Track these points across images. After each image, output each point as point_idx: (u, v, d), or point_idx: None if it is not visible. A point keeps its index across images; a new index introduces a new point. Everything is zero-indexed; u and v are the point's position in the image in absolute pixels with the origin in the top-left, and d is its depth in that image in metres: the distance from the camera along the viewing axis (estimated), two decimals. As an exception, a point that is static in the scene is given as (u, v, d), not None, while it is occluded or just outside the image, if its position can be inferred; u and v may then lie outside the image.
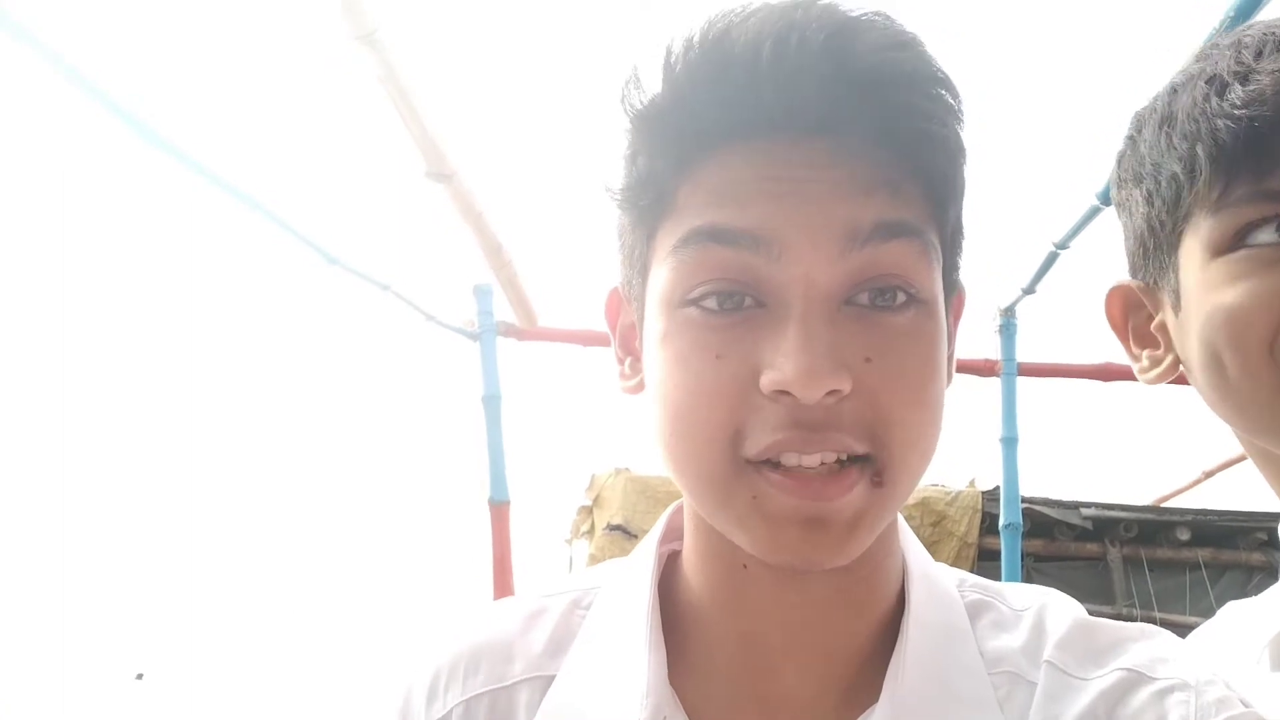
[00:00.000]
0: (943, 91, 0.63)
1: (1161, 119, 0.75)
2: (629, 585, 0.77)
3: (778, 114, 0.61)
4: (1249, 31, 0.72)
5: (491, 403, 2.80)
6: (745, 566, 0.68)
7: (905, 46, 0.62)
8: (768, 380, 0.59)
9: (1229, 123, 0.69)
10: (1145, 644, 0.70)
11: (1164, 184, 0.75)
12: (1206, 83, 0.72)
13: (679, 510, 0.79)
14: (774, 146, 0.62)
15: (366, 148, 1.96)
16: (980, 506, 4.55)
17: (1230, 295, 0.70)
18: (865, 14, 0.61)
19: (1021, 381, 3.09)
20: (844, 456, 0.60)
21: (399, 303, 2.69)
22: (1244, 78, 0.69)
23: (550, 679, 0.75)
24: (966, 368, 2.97)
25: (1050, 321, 3.10)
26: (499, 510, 2.77)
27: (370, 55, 1.46)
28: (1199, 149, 0.71)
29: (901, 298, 0.62)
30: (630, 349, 0.75)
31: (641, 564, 0.78)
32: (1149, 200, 0.77)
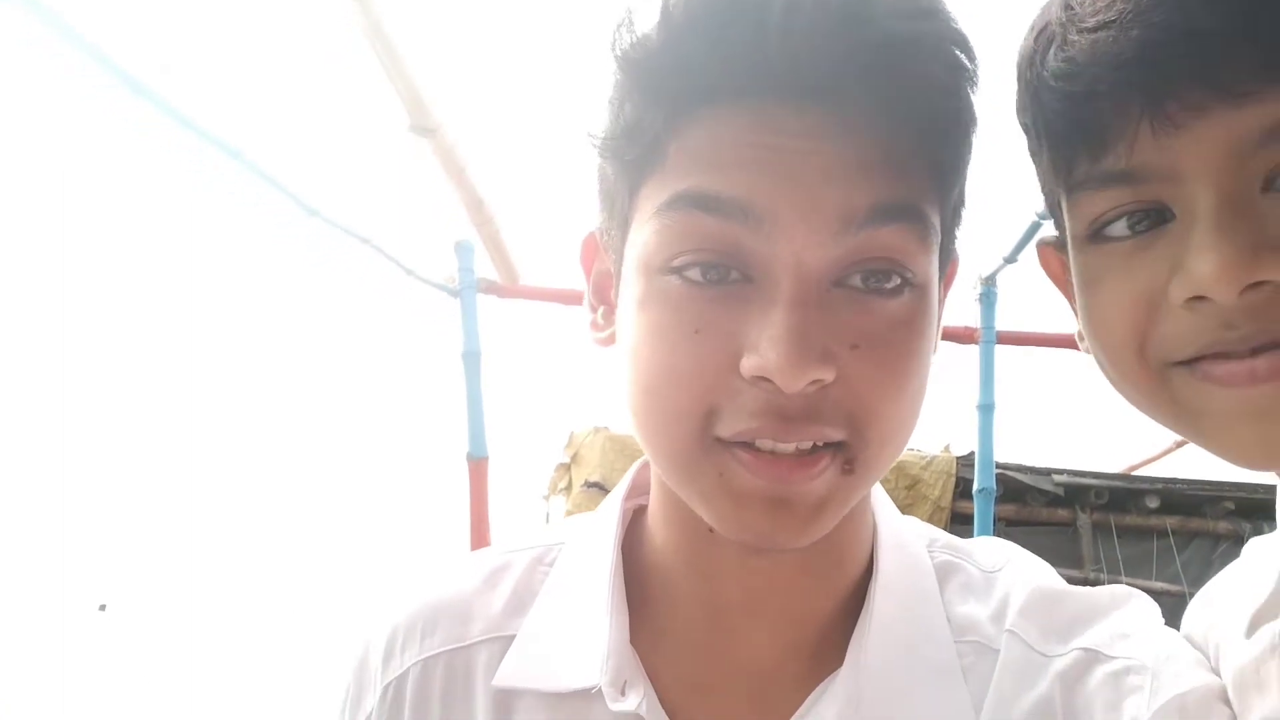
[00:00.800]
0: (962, 57, 0.59)
1: (1027, 55, 0.62)
2: (593, 543, 0.76)
3: (782, 73, 0.56)
4: None
5: (471, 359, 2.79)
6: (711, 531, 0.66)
7: (930, 15, 0.58)
8: (749, 365, 0.57)
9: (1051, 95, 0.58)
10: (1110, 617, 0.69)
11: (1037, 139, 0.63)
12: (1035, 38, 0.60)
13: (646, 465, 0.78)
14: (773, 109, 0.57)
15: (350, 101, 1.94)
16: (955, 471, 4.60)
17: (1094, 297, 0.61)
18: None
19: (999, 349, 3.11)
20: (819, 443, 0.59)
21: (379, 257, 2.67)
22: (1063, 37, 0.57)
23: (510, 639, 0.74)
24: (946, 335, 2.93)
25: (1030, 291, 3.11)
26: (477, 466, 2.78)
27: (355, 7, 1.44)
28: (1031, 122, 0.62)
29: (896, 280, 0.59)
30: (604, 298, 0.72)
31: (606, 521, 0.76)
32: (1034, 161, 0.65)
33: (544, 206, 2.70)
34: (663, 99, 0.60)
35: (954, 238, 0.67)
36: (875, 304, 0.59)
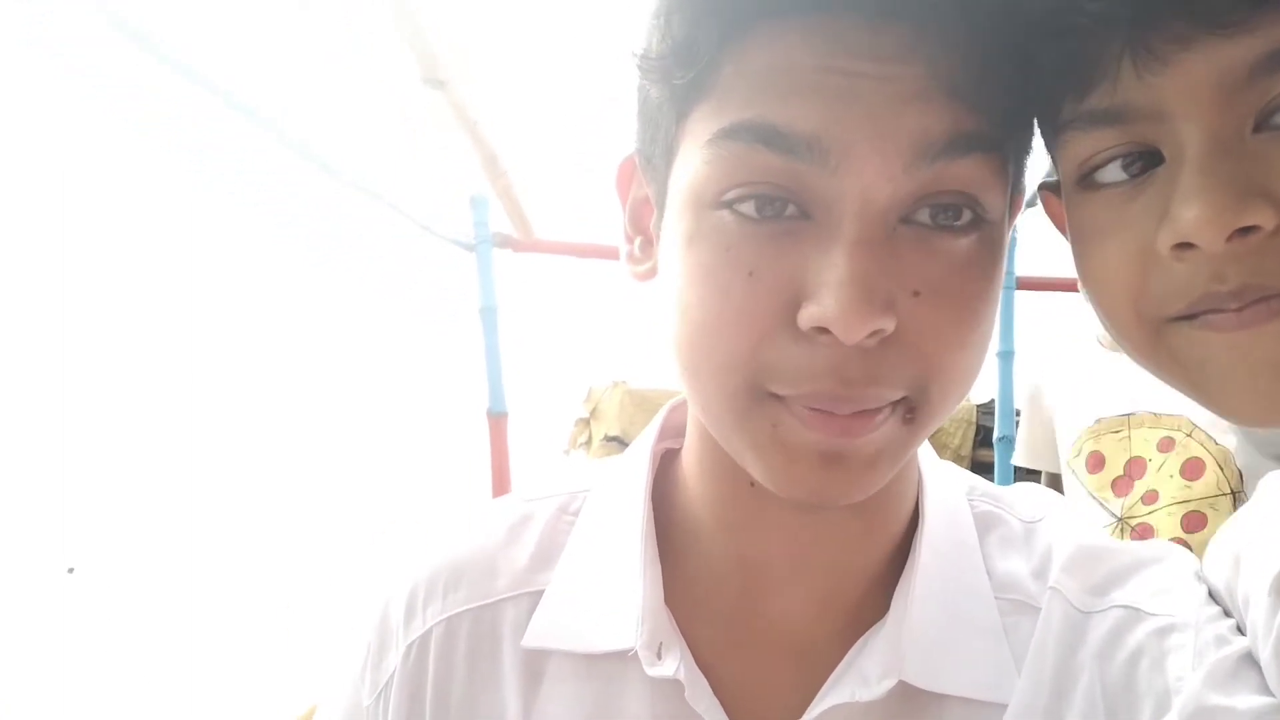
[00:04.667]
0: None
1: None
2: (622, 491, 0.73)
3: None
4: None
5: (488, 314, 2.79)
6: (753, 484, 0.63)
7: None
8: (807, 315, 0.53)
9: (1036, 30, 0.55)
10: (1149, 571, 0.67)
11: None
12: None
13: (678, 407, 0.75)
14: (841, 28, 0.52)
15: (359, 53, 1.91)
16: (975, 419, 4.58)
17: (1085, 249, 0.58)
18: None
19: (1020, 295, 3.08)
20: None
21: (394, 213, 2.66)
22: None
23: (538, 595, 0.72)
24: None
25: (1050, 235, 3.08)
26: (497, 421, 2.78)
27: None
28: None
29: (968, 216, 0.55)
30: (641, 227, 0.68)
31: (636, 468, 0.73)
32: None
33: (558, 161, 2.67)
34: (720, 11, 0.54)
35: (1024, 169, 0.63)
36: (943, 243, 0.55)
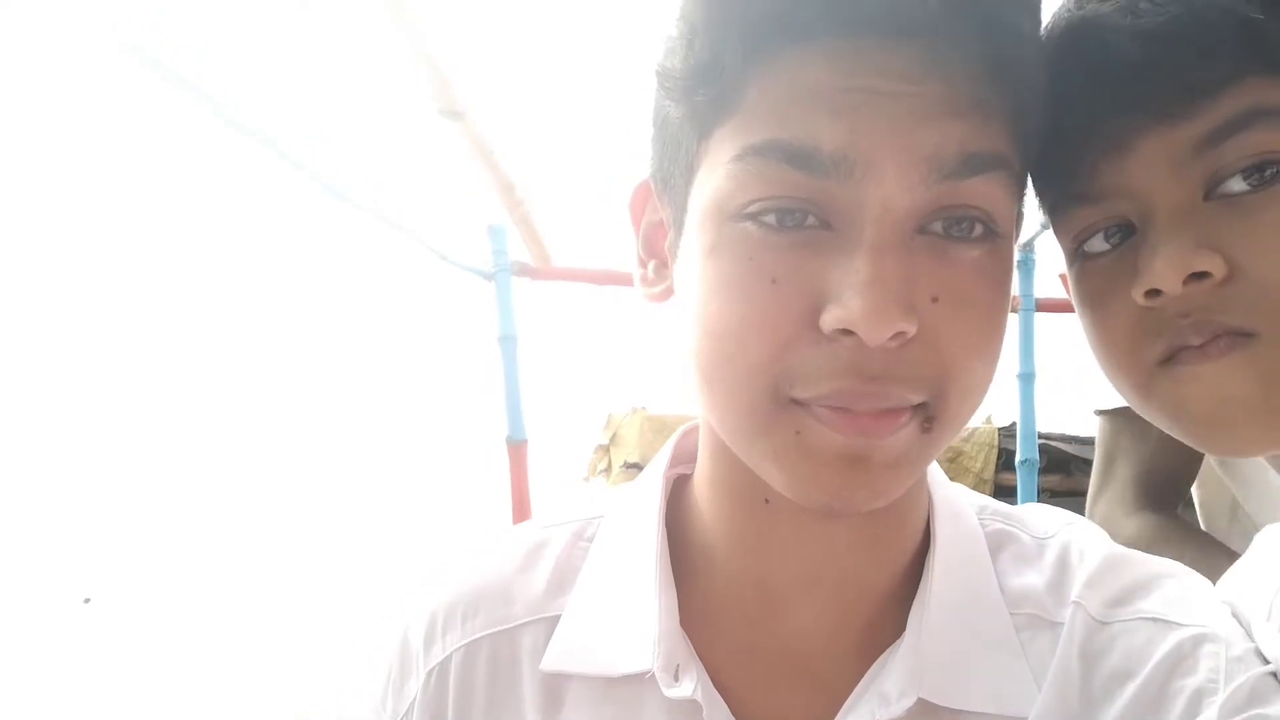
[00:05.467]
0: (1039, 10, 0.58)
1: None
2: (635, 516, 0.74)
3: (877, 10, 0.54)
4: None
5: (508, 343, 2.80)
6: (767, 501, 0.64)
7: None
8: (830, 318, 0.54)
9: None
10: (1170, 583, 0.68)
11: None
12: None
13: (689, 433, 0.76)
14: (864, 48, 0.55)
15: (378, 85, 1.94)
16: (997, 443, 4.56)
17: (1086, 314, 0.69)
18: None
19: (1039, 317, 3.07)
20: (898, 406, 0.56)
21: (414, 243, 2.68)
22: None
23: (555, 620, 0.72)
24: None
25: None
26: (517, 449, 2.78)
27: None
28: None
29: (979, 229, 0.57)
30: (655, 251, 0.69)
31: (648, 493, 0.74)
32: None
33: (574, 187, 2.69)
34: (746, 35, 0.56)
35: (1023, 197, 0.65)
36: (958, 252, 0.57)
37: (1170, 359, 0.63)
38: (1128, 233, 0.65)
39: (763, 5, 0.56)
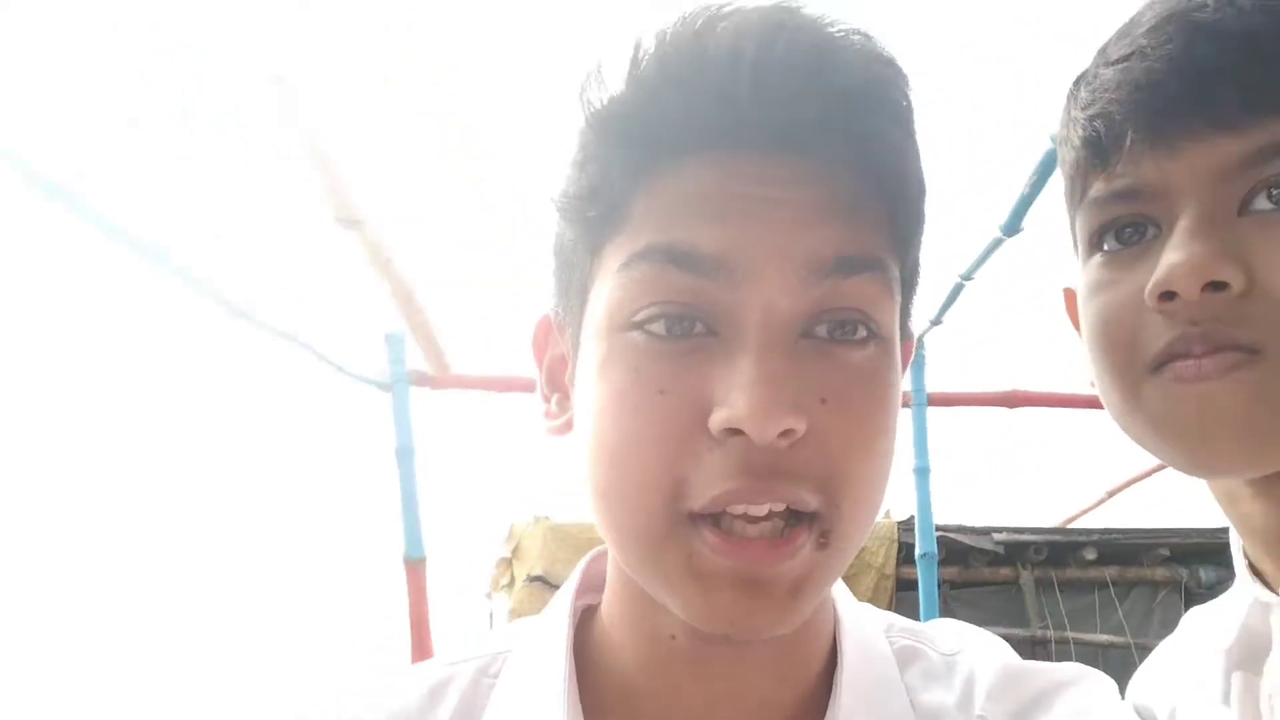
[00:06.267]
0: (913, 121, 0.60)
1: (1069, 91, 0.72)
2: (542, 650, 0.71)
3: (752, 124, 0.56)
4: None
5: (405, 455, 2.74)
6: (673, 637, 0.63)
7: (887, 67, 0.58)
8: (719, 419, 0.54)
9: (1075, 123, 0.67)
10: (1072, 692, 0.68)
11: (1064, 167, 0.72)
12: (1076, 78, 0.70)
13: (598, 558, 0.75)
14: (742, 161, 0.57)
15: (272, 195, 1.92)
16: (896, 537, 4.62)
17: (1089, 307, 0.68)
18: (845, 29, 0.57)
19: (931, 411, 3.16)
20: (793, 509, 0.56)
21: (307, 354, 2.63)
22: (1093, 72, 0.67)
23: None
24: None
25: (956, 352, 3.19)
26: (415, 567, 2.70)
27: (276, 98, 1.44)
28: (1061, 151, 0.70)
29: (862, 332, 0.58)
30: (558, 384, 0.69)
31: (555, 625, 0.71)
32: (1064, 171, 0.73)
33: (473, 295, 2.69)
34: (630, 156, 0.58)
35: (909, 311, 0.66)
36: (842, 355, 0.57)
37: (1162, 367, 0.63)
38: (1148, 232, 0.65)
39: (645, 126, 0.58)
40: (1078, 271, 0.71)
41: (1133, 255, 0.65)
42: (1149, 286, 0.62)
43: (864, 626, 0.71)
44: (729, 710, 0.66)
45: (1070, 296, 0.76)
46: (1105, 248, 0.67)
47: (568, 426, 0.67)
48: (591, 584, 0.74)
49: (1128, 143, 0.63)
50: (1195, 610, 0.80)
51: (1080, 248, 0.70)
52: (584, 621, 0.73)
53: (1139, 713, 0.74)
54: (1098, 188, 0.66)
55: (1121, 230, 0.66)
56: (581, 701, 0.68)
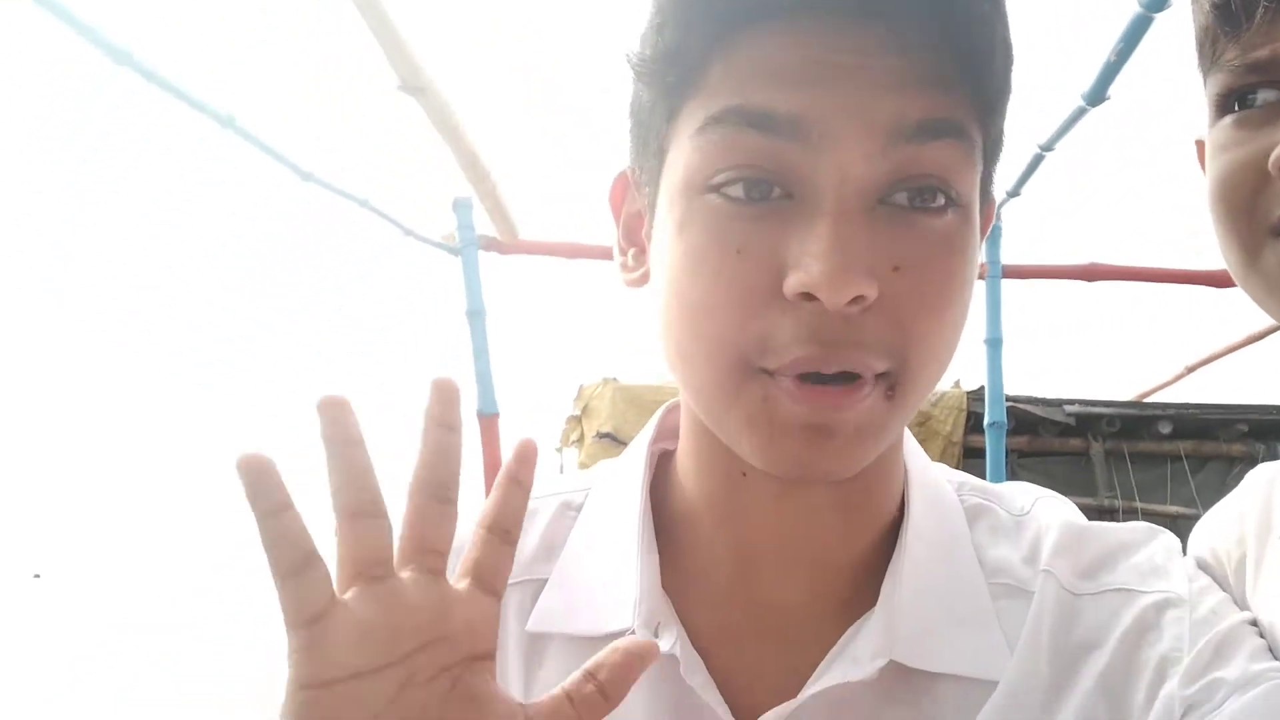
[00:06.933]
0: None
1: None
2: (620, 487, 0.76)
3: None
4: None
5: (476, 317, 2.79)
6: (744, 475, 0.66)
7: None
8: (793, 282, 0.55)
9: None
10: (1139, 553, 0.70)
11: (1195, 26, 0.71)
12: None
13: (672, 410, 0.78)
14: (822, 27, 0.56)
15: (338, 61, 1.91)
16: (965, 406, 4.59)
17: (1214, 165, 0.68)
18: None
19: (1006, 283, 3.09)
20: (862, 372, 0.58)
21: (377, 219, 2.65)
22: None
23: (542, 582, 0.75)
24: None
25: (1034, 224, 3.09)
26: (488, 422, 2.78)
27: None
28: (1195, 11, 0.69)
29: (941, 199, 0.58)
30: (635, 239, 0.71)
31: (633, 466, 0.76)
32: (1195, 31, 0.72)
33: (540, 161, 2.67)
34: (707, 21, 0.58)
35: (992, 176, 0.66)
36: (920, 222, 0.58)
37: None
38: (1272, 96, 0.65)
39: None
40: (1206, 127, 0.70)
41: (1261, 116, 0.64)
42: (1274, 155, 0.61)
43: (935, 483, 0.74)
44: (798, 549, 0.69)
45: (1201, 148, 0.75)
46: (1235, 108, 0.66)
47: (644, 279, 0.69)
48: (666, 433, 0.78)
49: (1259, 11, 0.62)
50: (1262, 467, 0.79)
51: (1210, 108, 0.69)
52: (660, 465, 0.77)
53: (1201, 565, 0.75)
54: (1231, 54, 0.65)
55: (1254, 93, 0.66)
56: (655, 537, 0.73)
